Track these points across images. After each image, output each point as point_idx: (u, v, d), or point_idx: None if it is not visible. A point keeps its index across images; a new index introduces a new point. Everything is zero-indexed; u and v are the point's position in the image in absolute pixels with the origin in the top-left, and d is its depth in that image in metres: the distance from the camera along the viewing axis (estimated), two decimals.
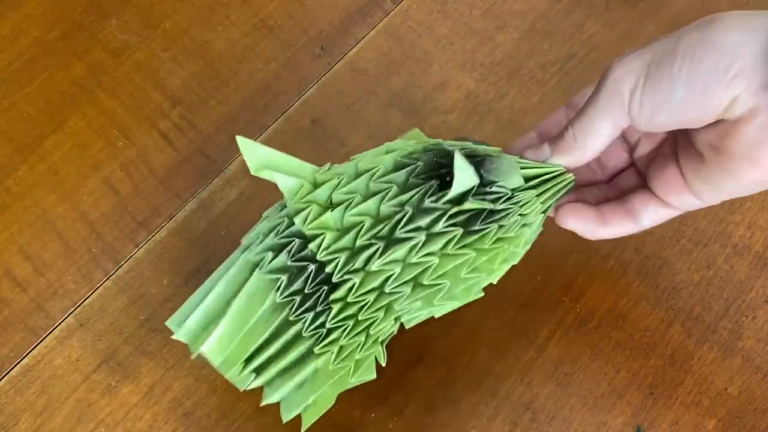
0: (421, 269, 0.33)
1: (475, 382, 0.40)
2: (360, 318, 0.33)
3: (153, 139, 0.46)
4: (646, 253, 0.42)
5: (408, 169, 0.34)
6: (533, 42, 0.48)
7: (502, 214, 0.33)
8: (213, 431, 0.39)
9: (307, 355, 0.34)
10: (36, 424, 0.39)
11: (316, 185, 0.35)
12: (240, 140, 0.34)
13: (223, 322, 0.33)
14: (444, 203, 0.33)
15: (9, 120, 0.46)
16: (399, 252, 0.33)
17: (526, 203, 0.33)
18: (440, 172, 0.33)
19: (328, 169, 0.35)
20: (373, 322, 0.34)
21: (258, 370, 0.35)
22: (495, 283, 0.35)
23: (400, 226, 0.33)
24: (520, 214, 0.33)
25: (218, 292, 0.34)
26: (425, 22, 0.49)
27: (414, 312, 0.35)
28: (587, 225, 0.35)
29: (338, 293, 0.33)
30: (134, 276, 0.42)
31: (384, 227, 0.33)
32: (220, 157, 0.45)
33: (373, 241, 0.33)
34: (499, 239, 0.33)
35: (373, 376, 0.36)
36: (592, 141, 0.33)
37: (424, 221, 0.33)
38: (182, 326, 0.34)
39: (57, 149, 0.45)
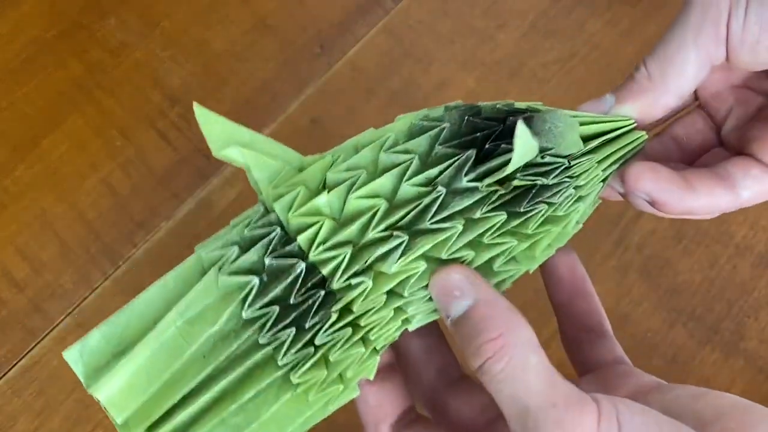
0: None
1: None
2: (362, 323, 0.25)
3: (152, 139, 0.45)
4: (648, 254, 0.42)
5: (431, 133, 0.26)
6: (534, 41, 0.48)
7: (555, 190, 0.25)
8: None
9: (273, 390, 0.25)
10: (34, 426, 0.39)
11: (302, 170, 0.26)
12: (198, 110, 0.25)
13: (139, 350, 0.23)
14: (489, 184, 0.25)
15: (7, 119, 0.46)
16: (426, 246, 0.24)
17: (585, 172, 0.26)
18: (475, 137, 0.25)
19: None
20: (377, 325, 0.26)
21: (194, 423, 0.24)
22: (531, 272, 0.29)
23: (430, 213, 0.24)
24: (575, 187, 0.26)
25: (146, 300, 0.25)
26: (426, 21, 0.48)
27: (427, 313, 0.27)
28: (669, 189, 0.26)
29: (343, 302, 0.25)
30: (133, 276, 0.42)
31: (406, 214, 0.25)
32: None
33: (394, 233, 0.24)
34: (546, 220, 0.26)
35: (357, 392, 0.27)
36: (675, 79, 0.25)
37: (460, 205, 0.25)
38: (80, 347, 0.24)
39: (55, 149, 0.45)
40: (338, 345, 0.25)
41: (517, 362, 0.22)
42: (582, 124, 0.26)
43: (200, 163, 0.45)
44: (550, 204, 0.25)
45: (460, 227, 0.25)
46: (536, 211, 0.25)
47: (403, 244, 0.24)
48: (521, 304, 0.42)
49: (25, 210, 0.44)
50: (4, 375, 0.40)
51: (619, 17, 0.48)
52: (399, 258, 0.24)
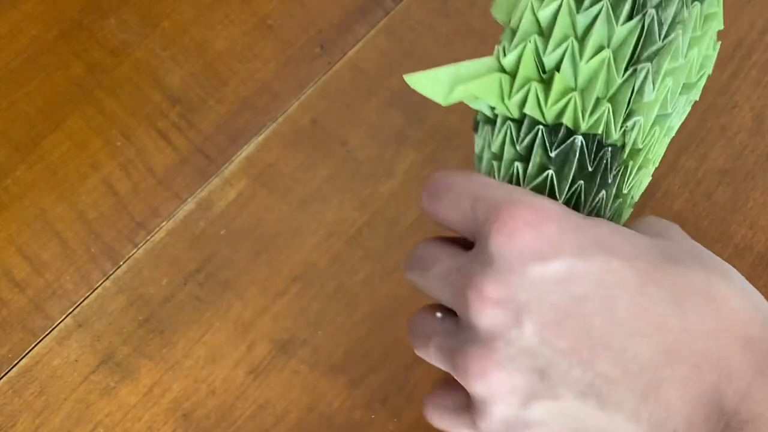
0: (688, 69, 0.29)
1: None
2: (647, 155, 0.29)
3: (152, 139, 0.45)
4: None
5: None
6: None
7: None
8: None
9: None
10: (34, 425, 0.39)
11: (502, 69, 0.28)
12: (408, 78, 0.28)
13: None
14: None
15: (7, 120, 0.46)
16: (667, 62, 0.27)
17: None
18: None
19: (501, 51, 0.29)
20: (652, 145, 0.29)
21: None
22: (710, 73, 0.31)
23: (654, 34, 0.27)
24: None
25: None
26: (426, 21, 0.49)
27: (681, 115, 0.31)
28: None
29: (629, 146, 0.28)
30: (133, 276, 0.42)
31: (635, 48, 0.27)
32: (219, 156, 0.45)
33: (637, 66, 0.27)
34: (705, 18, 0.29)
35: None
36: None
37: (671, 14, 0.27)
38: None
39: (55, 149, 0.45)
40: (632, 177, 0.29)
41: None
42: None
43: (200, 163, 0.45)
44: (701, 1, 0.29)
45: (681, 31, 0.27)
46: None
47: (650, 72, 0.27)
48: None
49: (26, 210, 0.44)
50: (4, 375, 0.40)
51: None
52: (654, 84, 0.27)
